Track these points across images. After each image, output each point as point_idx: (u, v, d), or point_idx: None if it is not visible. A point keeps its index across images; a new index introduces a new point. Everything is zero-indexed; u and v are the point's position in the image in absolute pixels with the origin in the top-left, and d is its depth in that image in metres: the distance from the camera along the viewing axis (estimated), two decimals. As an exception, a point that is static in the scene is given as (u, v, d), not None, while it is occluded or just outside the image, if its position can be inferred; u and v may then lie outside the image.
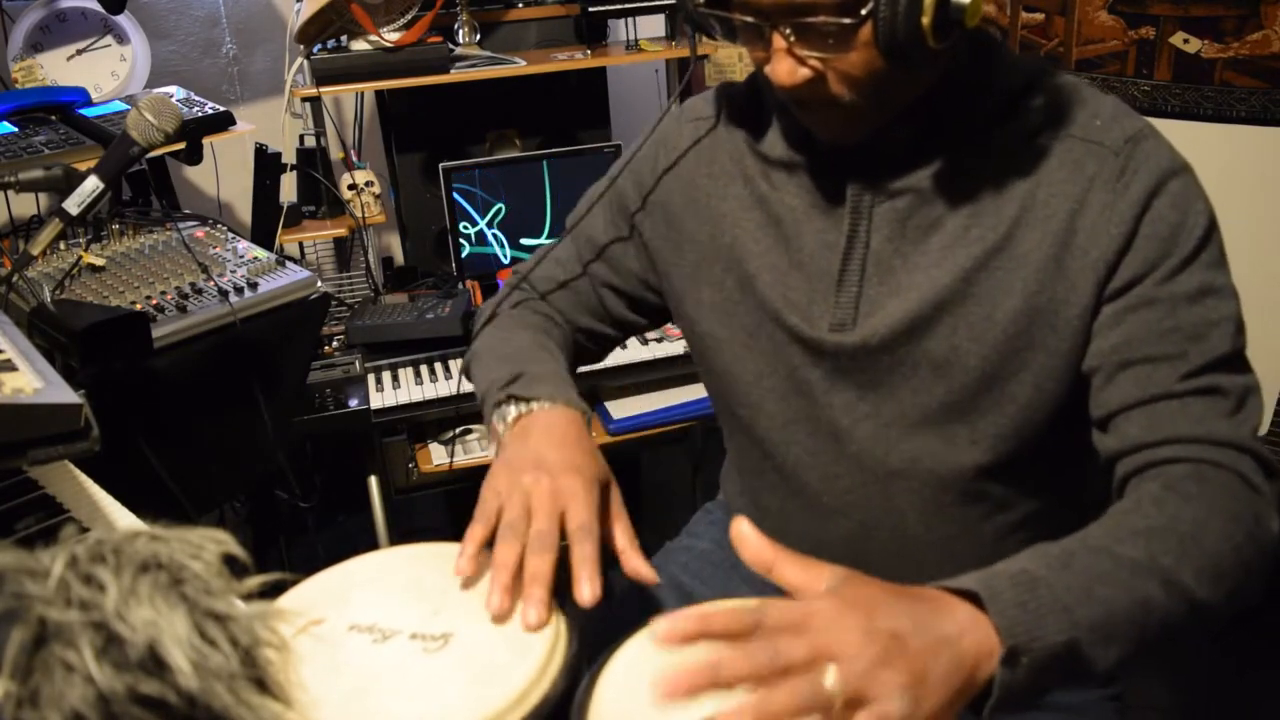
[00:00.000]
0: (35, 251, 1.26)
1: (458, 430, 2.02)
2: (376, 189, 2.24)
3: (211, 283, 1.51)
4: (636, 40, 2.34)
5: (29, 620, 0.40)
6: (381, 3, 2.08)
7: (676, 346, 2.04)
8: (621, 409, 2.12)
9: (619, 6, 2.29)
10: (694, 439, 2.22)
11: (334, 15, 2.04)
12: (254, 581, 0.48)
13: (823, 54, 0.78)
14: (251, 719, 0.43)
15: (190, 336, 1.44)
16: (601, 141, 2.34)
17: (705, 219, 0.98)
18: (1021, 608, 0.64)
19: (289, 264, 1.63)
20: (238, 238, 1.70)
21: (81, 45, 2.03)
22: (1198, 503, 0.76)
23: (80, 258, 1.51)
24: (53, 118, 1.81)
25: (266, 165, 2.11)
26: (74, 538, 0.44)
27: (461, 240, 2.26)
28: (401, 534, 2.17)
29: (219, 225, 1.76)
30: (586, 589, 0.72)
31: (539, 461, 0.80)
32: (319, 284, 1.62)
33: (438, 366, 2.00)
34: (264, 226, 2.14)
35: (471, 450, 1.99)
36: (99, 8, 1.99)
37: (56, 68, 2.00)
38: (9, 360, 0.88)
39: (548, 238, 2.31)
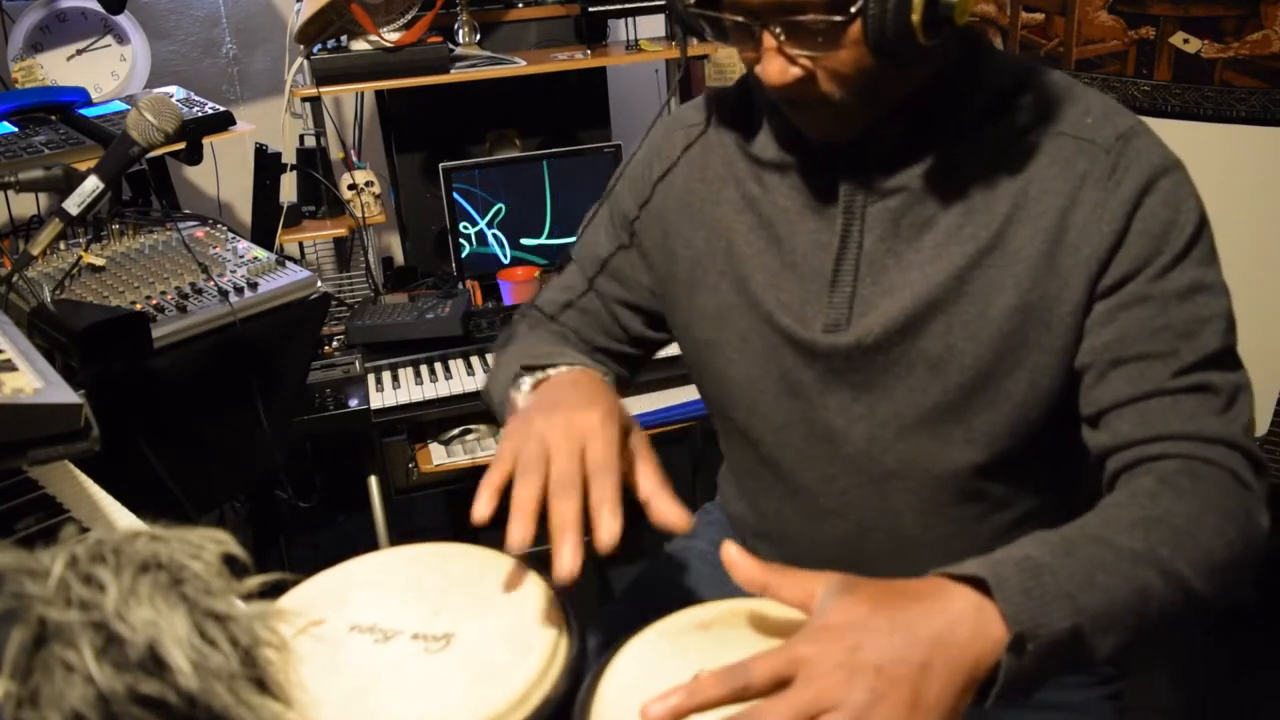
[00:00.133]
0: (35, 251, 1.26)
1: (458, 430, 2.02)
2: (376, 189, 2.24)
3: (211, 283, 1.51)
4: (636, 40, 2.35)
5: (29, 620, 0.40)
6: (381, 3, 2.08)
7: (677, 346, 2.03)
8: (621, 409, 2.12)
9: (619, 6, 2.29)
10: (694, 439, 2.22)
11: (334, 15, 2.04)
12: (254, 581, 0.48)
13: (813, 52, 0.78)
14: (251, 719, 0.43)
15: (190, 336, 1.44)
16: (601, 141, 2.35)
17: (700, 224, 0.98)
18: (1027, 594, 0.64)
19: (289, 264, 1.63)
20: (238, 238, 1.70)
21: (81, 45, 2.03)
22: (1191, 498, 0.76)
23: (80, 258, 1.51)
24: (53, 118, 1.81)
25: (266, 165, 2.11)
26: (74, 538, 0.44)
27: (461, 240, 2.26)
28: (401, 534, 2.17)
29: (219, 225, 1.76)
30: (605, 530, 0.69)
31: (554, 405, 0.77)
32: (319, 284, 1.62)
33: (438, 366, 2.00)
34: (264, 226, 2.14)
35: (471, 450, 1.99)
36: (99, 8, 1.99)
37: (56, 68, 2.00)
38: (9, 360, 0.88)
39: (548, 237, 2.31)
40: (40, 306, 1.28)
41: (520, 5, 2.40)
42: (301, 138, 2.24)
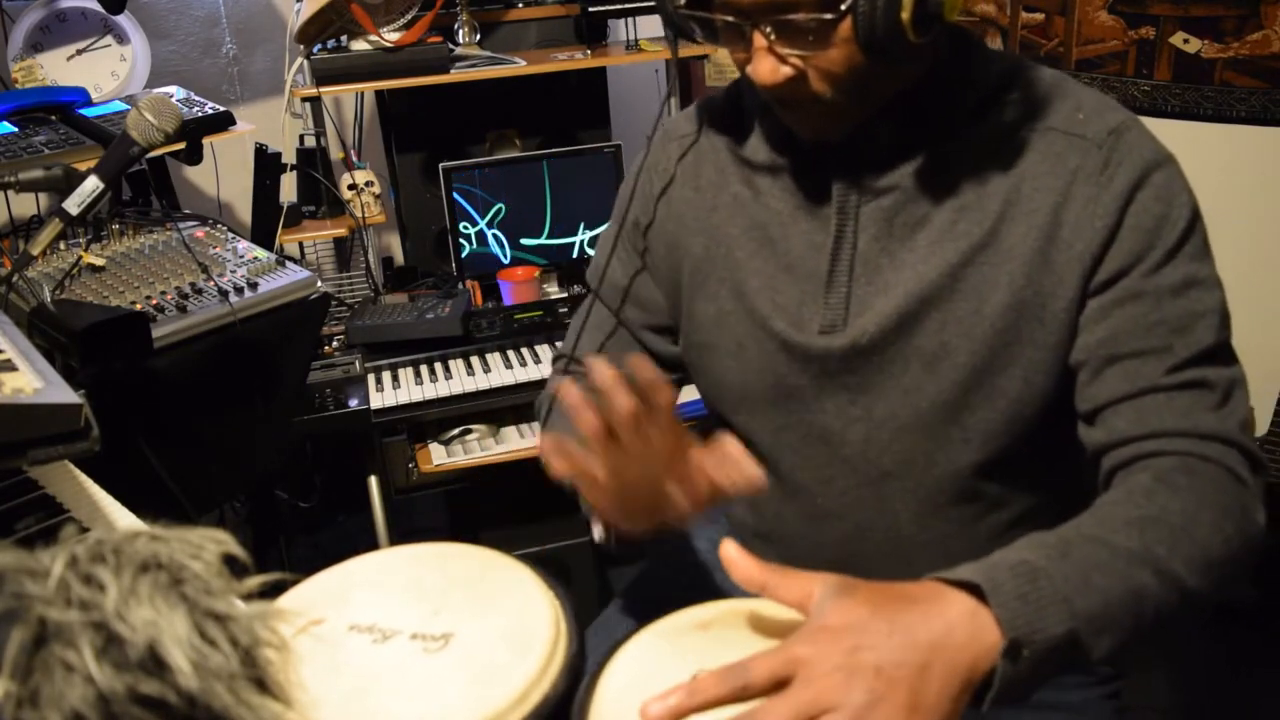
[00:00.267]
0: (35, 251, 1.26)
1: (458, 430, 2.02)
2: (376, 189, 2.24)
3: (211, 283, 1.51)
4: (636, 40, 2.34)
5: (29, 620, 0.40)
6: (381, 3, 2.08)
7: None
8: (621, 409, 2.11)
9: (619, 6, 2.29)
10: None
11: (334, 15, 2.04)
12: (254, 581, 0.48)
13: (803, 51, 0.79)
14: (251, 719, 0.43)
15: (190, 336, 1.44)
16: (601, 141, 2.34)
17: (697, 232, 0.99)
18: (1023, 599, 0.64)
19: (289, 264, 1.63)
20: (238, 238, 1.70)
21: (81, 45, 2.03)
22: (1187, 495, 0.76)
23: (80, 258, 1.51)
24: (53, 118, 1.81)
25: (266, 165, 2.11)
26: (74, 538, 0.44)
27: (461, 240, 2.26)
28: (401, 534, 2.17)
29: (219, 225, 1.76)
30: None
31: None
32: (319, 284, 1.62)
33: (438, 366, 2.00)
34: (264, 226, 2.14)
35: (471, 450, 1.99)
36: (99, 8, 1.99)
37: (56, 68, 2.00)
38: (9, 360, 0.88)
39: (548, 237, 2.31)
40: (40, 306, 1.28)
41: (520, 5, 2.40)
42: (301, 138, 2.24)
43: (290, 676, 0.47)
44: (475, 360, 2.00)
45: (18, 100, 1.80)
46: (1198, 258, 0.83)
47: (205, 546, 0.46)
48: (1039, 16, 2.26)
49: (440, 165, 2.20)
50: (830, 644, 0.61)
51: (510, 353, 2.02)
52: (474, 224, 2.26)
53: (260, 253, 1.64)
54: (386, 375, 1.97)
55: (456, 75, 2.16)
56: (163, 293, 1.48)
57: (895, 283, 0.88)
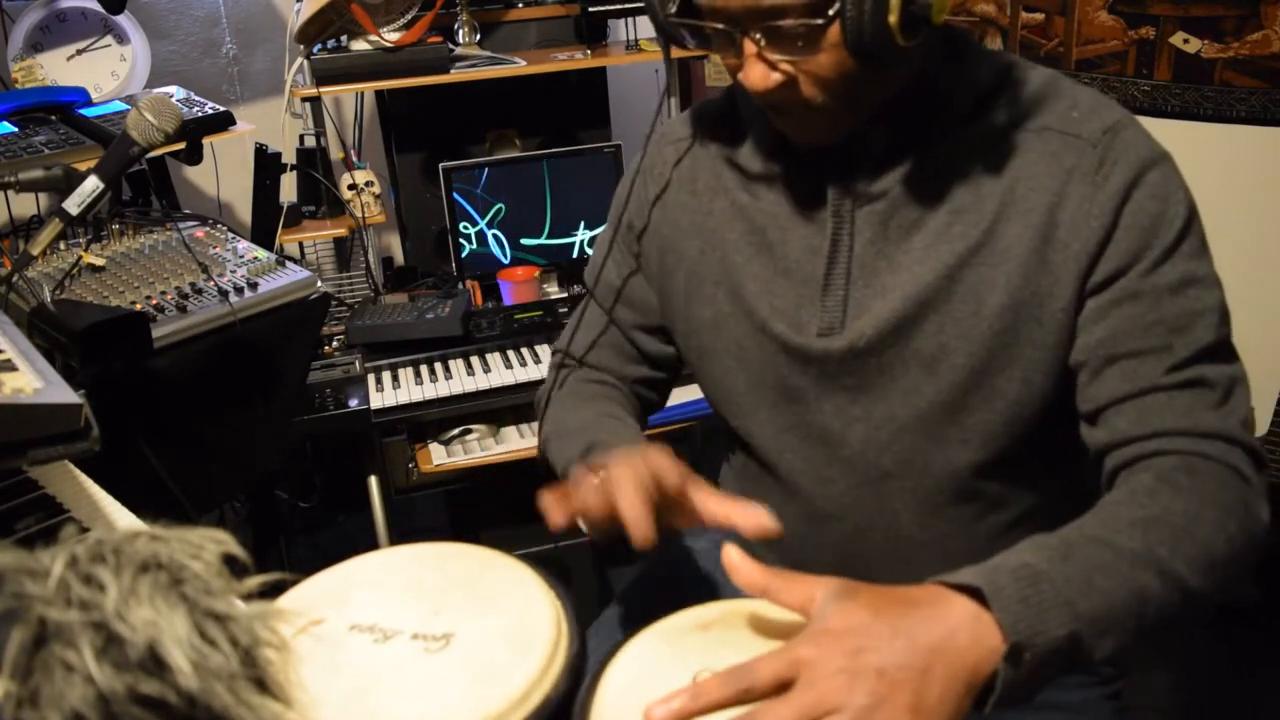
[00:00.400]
0: (35, 251, 1.26)
1: (458, 430, 2.02)
2: (376, 189, 2.24)
3: (211, 283, 1.51)
4: (636, 40, 2.34)
5: (29, 620, 0.40)
6: (381, 3, 2.08)
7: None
8: (621, 409, 2.12)
9: (619, 6, 2.29)
10: (694, 439, 2.22)
11: (334, 15, 2.04)
12: (254, 581, 0.48)
13: (793, 57, 0.79)
14: (251, 719, 0.43)
15: (190, 336, 1.44)
16: (601, 141, 2.34)
17: (692, 237, 0.99)
18: (1024, 603, 0.64)
19: (289, 264, 1.63)
20: (238, 238, 1.70)
21: (81, 45, 2.03)
22: (1189, 494, 0.76)
23: (80, 258, 1.51)
24: (53, 118, 1.81)
25: (266, 165, 2.11)
26: (74, 538, 0.44)
27: (461, 240, 2.26)
28: (401, 534, 2.17)
29: (219, 225, 1.76)
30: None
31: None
32: (319, 284, 1.62)
33: (438, 366, 2.00)
34: (264, 226, 2.14)
35: (471, 450, 1.99)
36: (99, 8, 1.99)
37: (56, 68, 2.00)
38: (9, 360, 0.88)
39: (548, 238, 2.31)
40: (40, 306, 1.28)
41: (520, 5, 2.40)
42: (301, 138, 2.24)
43: (290, 676, 0.47)
44: (475, 360, 2.00)
45: (18, 100, 1.80)
46: (1195, 256, 0.83)
47: (205, 546, 0.46)
48: (1039, 16, 2.26)
49: (440, 165, 2.20)
50: (833, 646, 0.61)
51: (510, 353, 2.02)
52: (474, 224, 2.26)
53: (260, 253, 1.64)
54: (386, 375, 1.97)
55: (456, 75, 2.16)
56: (163, 293, 1.48)
57: (892, 286, 0.88)
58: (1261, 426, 1.95)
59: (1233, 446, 0.80)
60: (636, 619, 0.74)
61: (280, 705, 0.46)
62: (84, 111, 1.85)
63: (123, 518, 1.03)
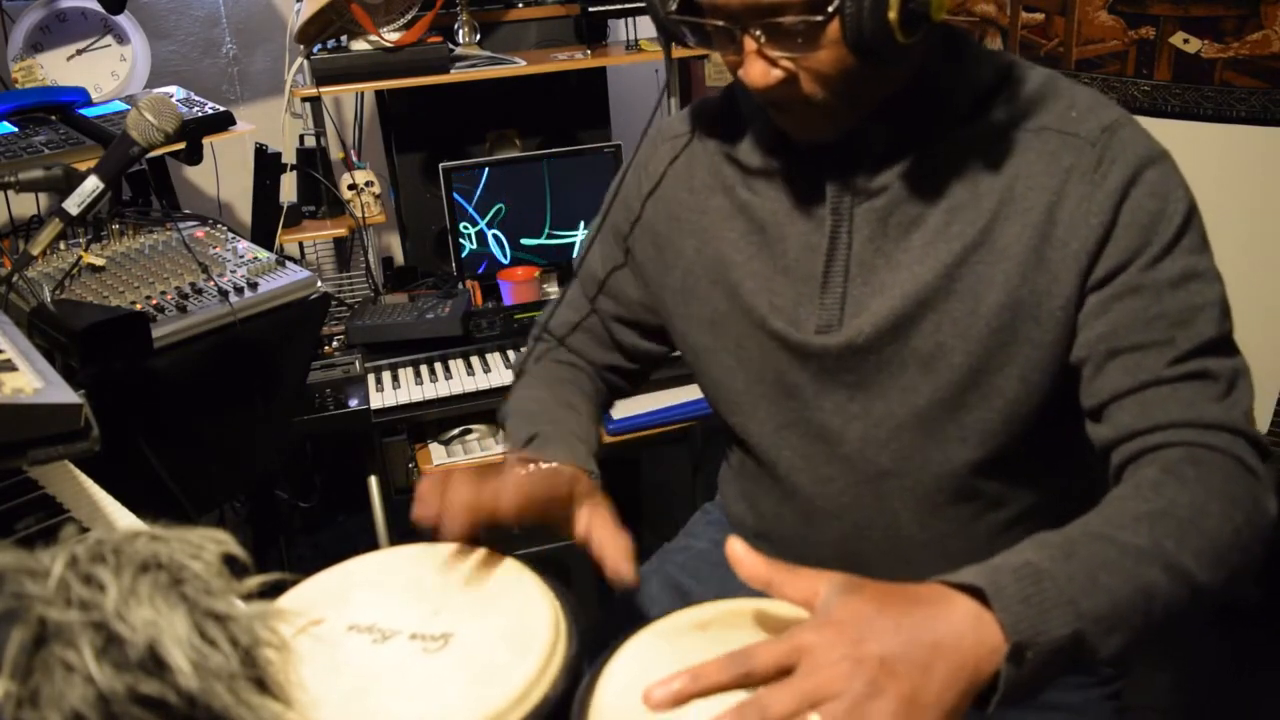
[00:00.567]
0: (35, 251, 1.26)
1: (458, 430, 2.02)
2: (376, 189, 2.24)
3: (211, 283, 1.51)
4: (636, 40, 2.35)
5: (29, 620, 0.40)
6: (381, 3, 2.08)
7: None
8: (621, 409, 2.12)
9: (619, 6, 2.29)
10: (694, 439, 2.22)
11: (334, 15, 2.04)
12: (254, 581, 0.48)
13: (793, 54, 0.79)
14: (251, 719, 0.43)
15: (190, 336, 1.44)
16: (601, 141, 2.35)
17: (689, 234, 0.99)
18: (1026, 603, 0.64)
19: (289, 264, 1.63)
20: (238, 238, 1.70)
21: (81, 45, 2.03)
22: (1195, 486, 0.76)
23: (80, 258, 1.51)
24: (53, 118, 1.81)
25: (266, 165, 2.11)
26: (74, 538, 0.44)
27: (461, 240, 2.26)
28: (401, 534, 2.17)
29: (219, 225, 1.76)
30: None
31: None
32: (319, 284, 1.62)
33: (438, 366, 2.00)
34: (264, 226, 2.14)
35: (471, 450, 1.99)
36: (99, 8, 1.99)
37: (56, 68, 2.00)
38: (9, 360, 0.88)
39: (548, 238, 2.31)
40: (40, 306, 1.28)
41: (520, 5, 2.40)
42: (301, 138, 2.24)
43: (290, 676, 0.47)
44: (475, 360, 2.00)
45: (18, 100, 1.80)
46: (1196, 251, 0.83)
47: (205, 546, 0.46)
48: (1039, 16, 2.26)
49: (440, 165, 2.20)
50: (836, 635, 0.61)
51: (510, 353, 2.02)
52: (474, 224, 2.26)
53: (260, 253, 1.64)
54: (386, 375, 1.97)
55: (456, 75, 2.16)
56: (163, 293, 1.48)
57: (891, 283, 0.88)
58: (1261, 427, 1.95)
59: (1237, 438, 0.79)
60: (635, 619, 0.74)
61: (280, 705, 0.46)
62: (84, 111, 1.85)
63: (123, 518, 1.03)
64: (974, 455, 0.90)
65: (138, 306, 1.42)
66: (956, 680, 0.61)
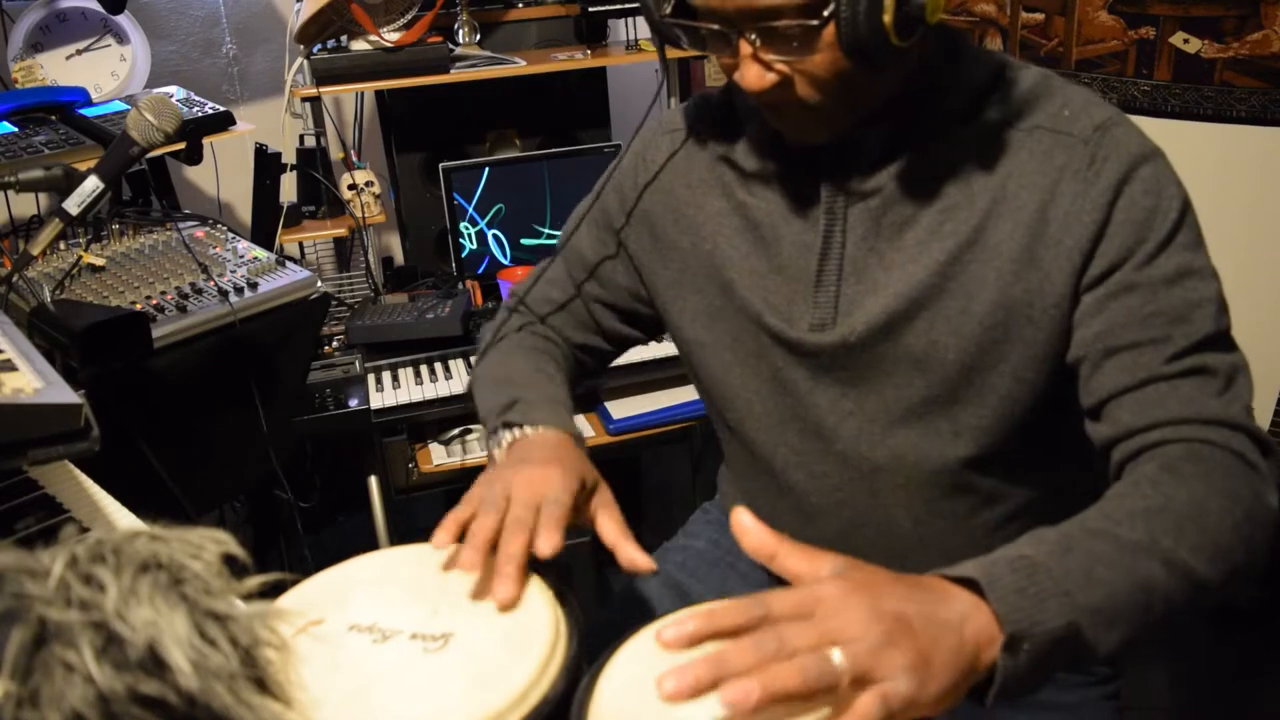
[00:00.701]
0: (35, 251, 1.26)
1: (458, 430, 2.02)
2: (376, 189, 2.24)
3: (211, 283, 1.52)
4: (636, 40, 2.35)
5: (29, 620, 0.40)
6: (381, 3, 2.08)
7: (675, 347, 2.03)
8: (621, 409, 2.12)
9: (619, 6, 2.29)
10: (694, 439, 2.22)
11: (334, 15, 2.04)
12: (254, 581, 0.48)
13: (788, 57, 0.79)
14: (251, 719, 0.43)
15: (190, 336, 1.44)
16: (601, 141, 2.35)
17: (686, 229, 0.99)
18: (1021, 594, 0.64)
19: (289, 264, 1.63)
20: (238, 238, 1.70)
21: (81, 45, 2.03)
22: (1195, 482, 0.76)
23: (80, 258, 1.51)
24: (53, 118, 1.81)
25: (266, 165, 2.11)
26: (74, 538, 0.44)
27: (461, 240, 2.26)
28: (401, 534, 2.17)
29: (219, 225, 1.77)
30: (545, 541, 0.75)
31: (523, 461, 0.83)
32: (319, 284, 1.63)
33: (438, 366, 2.00)
34: (264, 226, 2.14)
35: (471, 450, 1.99)
36: (99, 8, 1.99)
37: (56, 68, 2.00)
38: (9, 360, 0.88)
39: (548, 238, 2.31)
40: (40, 306, 1.29)
41: (520, 5, 2.40)
42: (301, 138, 2.24)
43: (290, 676, 0.47)
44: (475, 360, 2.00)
45: (18, 100, 1.80)
46: (1191, 248, 0.83)
47: (205, 546, 0.46)
48: (1039, 16, 2.26)
49: (440, 165, 2.20)
50: (853, 589, 0.61)
51: (510, 353, 2.01)
52: (474, 224, 2.26)
53: (260, 253, 1.64)
54: (386, 375, 1.97)
55: (456, 75, 2.16)
56: (163, 293, 1.49)
57: (884, 283, 0.88)
58: (1262, 425, 1.94)
59: (1237, 433, 0.79)
60: (636, 619, 0.74)
61: (280, 705, 0.46)
62: (84, 111, 1.85)
63: (123, 518, 1.03)
64: (968, 452, 0.90)
65: (138, 306, 1.43)
66: (959, 660, 0.61)
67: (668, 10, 0.85)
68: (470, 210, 2.24)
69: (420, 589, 0.74)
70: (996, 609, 0.63)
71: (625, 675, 0.68)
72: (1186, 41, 2.07)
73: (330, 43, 2.13)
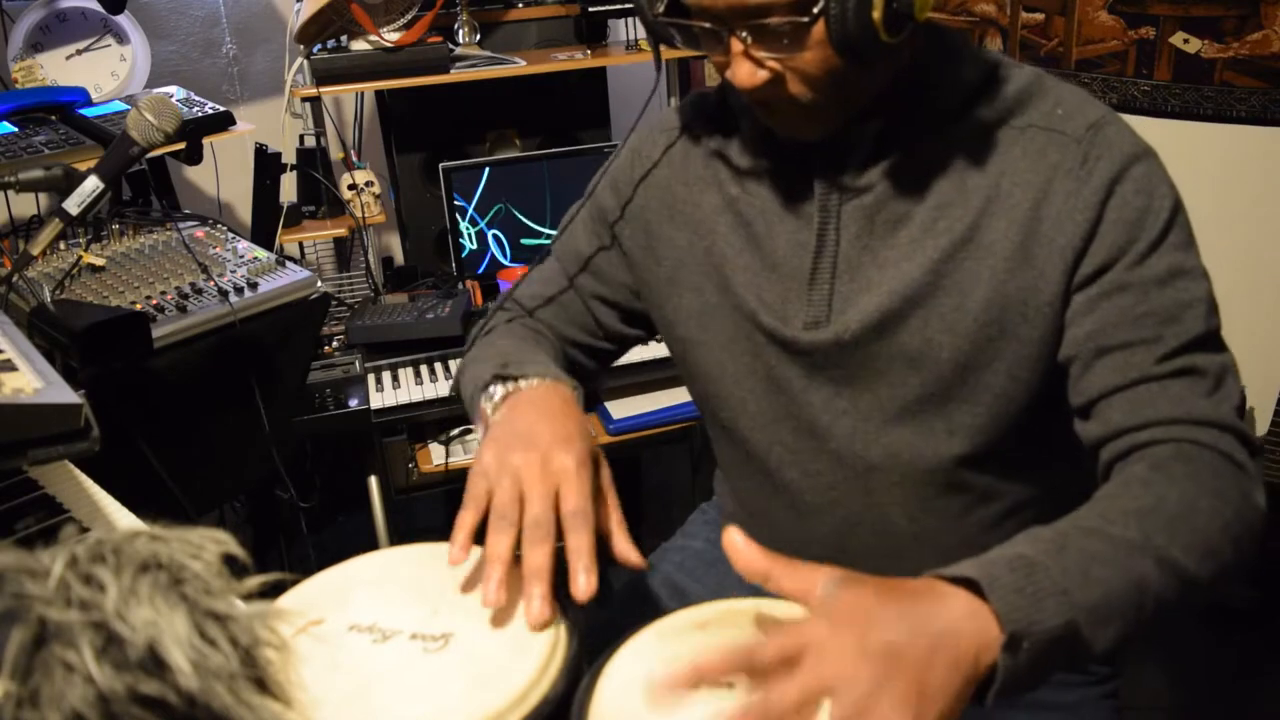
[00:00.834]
0: (35, 251, 1.26)
1: (458, 430, 2.02)
2: (376, 189, 2.24)
3: (211, 283, 1.52)
4: (636, 40, 2.35)
5: (29, 620, 0.40)
6: (381, 3, 2.09)
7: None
8: (621, 409, 2.12)
9: (619, 6, 2.29)
10: (694, 439, 2.22)
11: (334, 15, 2.04)
12: (254, 581, 0.48)
13: (779, 54, 0.79)
14: (251, 719, 0.43)
15: (190, 336, 1.44)
16: (602, 141, 2.35)
17: (681, 225, 0.99)
18: (1020, 593, 0.64)
19: (289, 264, 1.63)
20: (238, 238, 1.71)
21: (81, 45, 2.03)
22: (1185, 482, 0.76)
23: (80, 258, 1.52)
24: (53, 118, 1.81)
25: (266, 165, 2.11)
26: (74, 538, 0.44)
27: (461, 240, 2.26)
28: (401, 534, 2.17)
29: (219, 225, 1.77)
30: (583, 582, 0.71)
31: (529, 437, 0.78)
32: (319, 284, 1.63)
33: (438, 366, 2.00)
34: (264, 226, 2.14)
35: (471, 450, 1.99)
36: (99, 8, 1.99)
37: (56, 68, 2.01)
38: (9, 360, 0.88)
39: (548, 238, 2.31)
40: (40, 306, 1.29)
41: (520, 5, 2.40)
42: (301, 138, 2.24)
43: (290, 676, 0.47)
44: (475, 360, 2.00)
45: (18, 100, 1.80)
46: (1182, 248, 0.84)
47: (205, 546, 0.46)
48: (1039, 16, 2.26)
49: (440, 165, 2.20)
50: (841, 626, 0.61)
51: (510, 353, 2.01)
52: (474, 224, 2.26)
53: (260, 253, 1.64)
54: (386, 375, 1.97)
55: (456, 75, 2.16)
56: (163, 293, 1.49)
57: (878, 280, 0.88)
58: (1261, 427, 1.95)
59: (1225, 433, 0.80)
60: (635, 619, 0.74)
61: (280, 705, 0.46)
62: (84, 111, 1.85)
63: (123, 518, 1.03)
64: (962, 450, 0.90)
65: (138, 306, 1.43)
66: (957, 672, 0.61)
67: (660, 9, 0.85)
68: (470, 210, 2.24)
69: (420, 589, 0.74)
70: (996, 609, 0.63)
71: (625, 675, 0.68)
72: (1186, 41, 2.07)
73: (330, 43, 2.13)
